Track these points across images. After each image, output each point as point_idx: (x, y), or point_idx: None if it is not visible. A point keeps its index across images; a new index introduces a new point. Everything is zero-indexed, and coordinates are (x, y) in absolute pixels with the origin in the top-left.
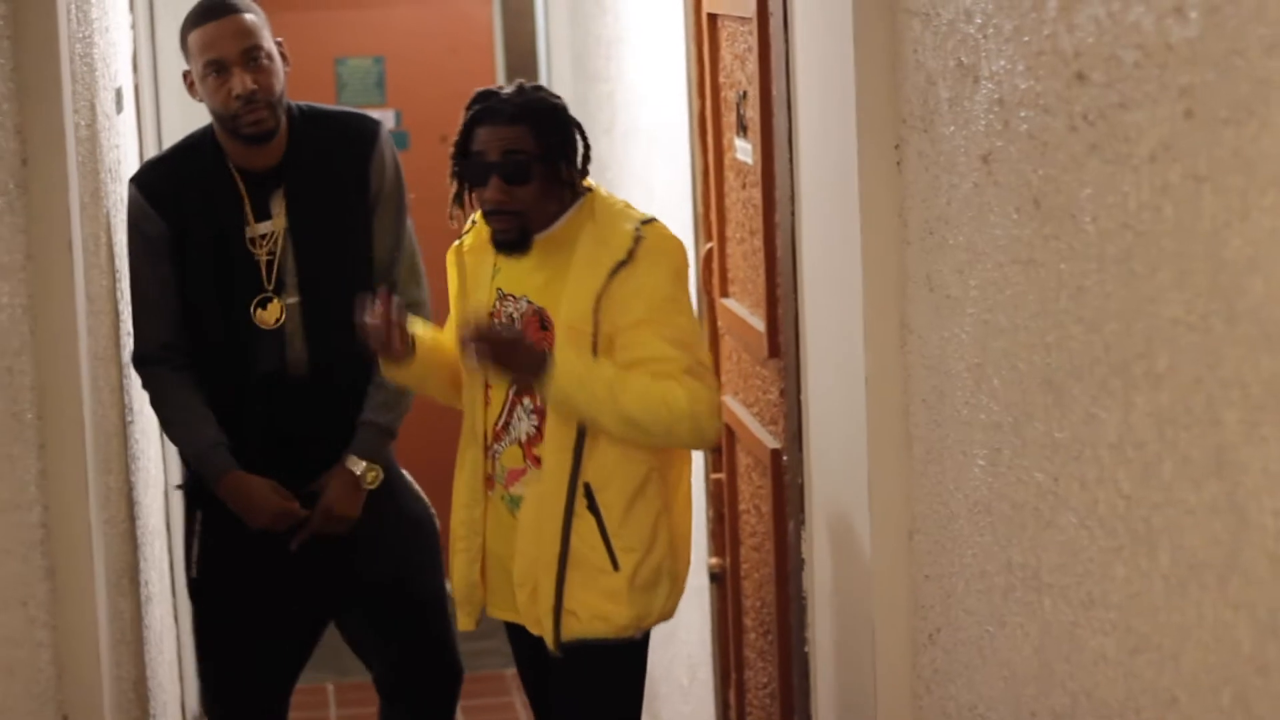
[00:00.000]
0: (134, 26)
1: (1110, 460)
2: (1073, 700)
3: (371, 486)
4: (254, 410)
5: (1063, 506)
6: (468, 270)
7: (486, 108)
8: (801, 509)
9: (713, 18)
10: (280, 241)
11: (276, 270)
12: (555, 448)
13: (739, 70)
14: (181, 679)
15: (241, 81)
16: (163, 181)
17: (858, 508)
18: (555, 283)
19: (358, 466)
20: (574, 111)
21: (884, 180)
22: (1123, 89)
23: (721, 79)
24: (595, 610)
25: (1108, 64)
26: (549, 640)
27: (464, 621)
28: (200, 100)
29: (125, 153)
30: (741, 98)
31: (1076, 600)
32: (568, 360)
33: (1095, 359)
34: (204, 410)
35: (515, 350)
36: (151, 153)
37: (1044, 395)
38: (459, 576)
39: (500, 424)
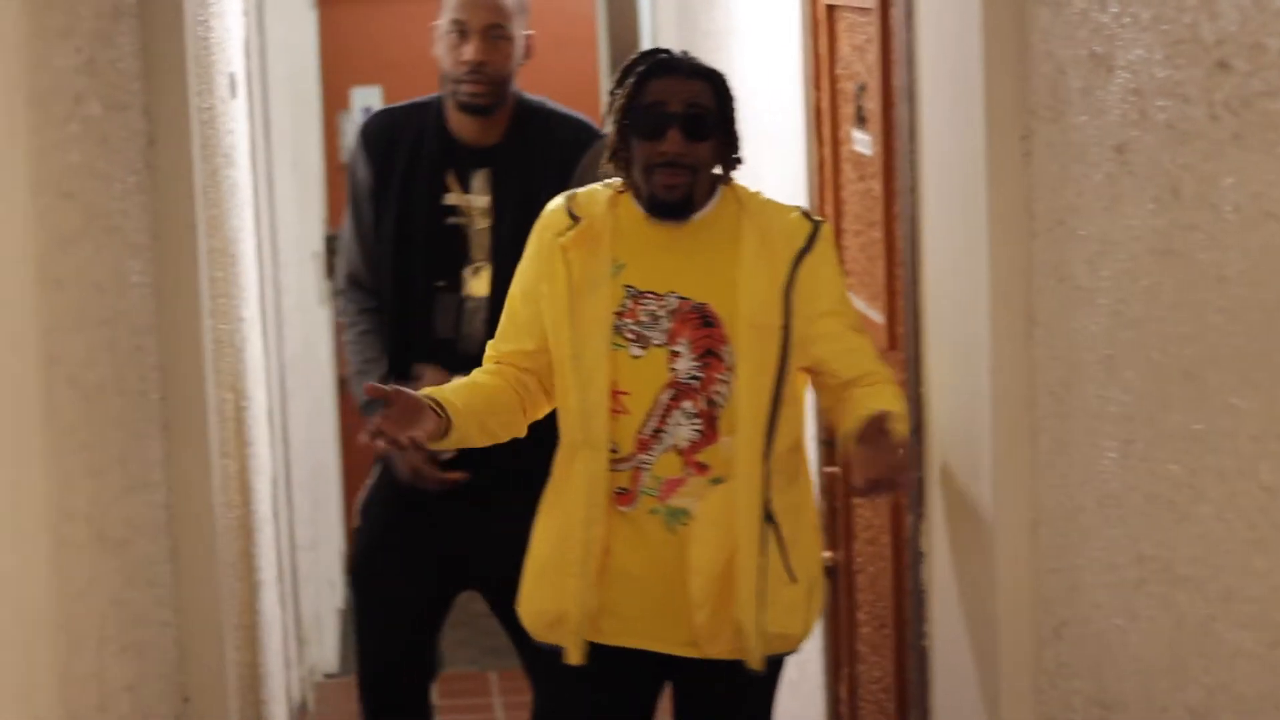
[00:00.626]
0: (246, 14)
1: (1251, 452)
2: (1209, 694)
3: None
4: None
5: (1199, 498)
6: (575, 270)
7: (663, 61)
8: (921, 502)
9: (831, 9)
10: (474, 217)
11: (464, 243)
12: (748, 455)
13: (858, 61)
14: (287, 666)
15: (475, 49)
16: (381, 130)
17: (980, 500)
18: (717, 275)
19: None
20: None
21: (1011, 171)
22: (1268, 77)
23: (839, 70)
24: (781, 625)
25: (1251, 52)
26: (754, 659)
27: (575, 654)
28: (436, 56)
29: (238, 138)
30: (860, 89)
31: (1213, 593)
32: (903, 413)
33: (1237, 349)
34: (372, 338)
35: (903, 461)
36: (260, 141)
37: (1181, 386)
38: (573, 602)
39: (648, 433)
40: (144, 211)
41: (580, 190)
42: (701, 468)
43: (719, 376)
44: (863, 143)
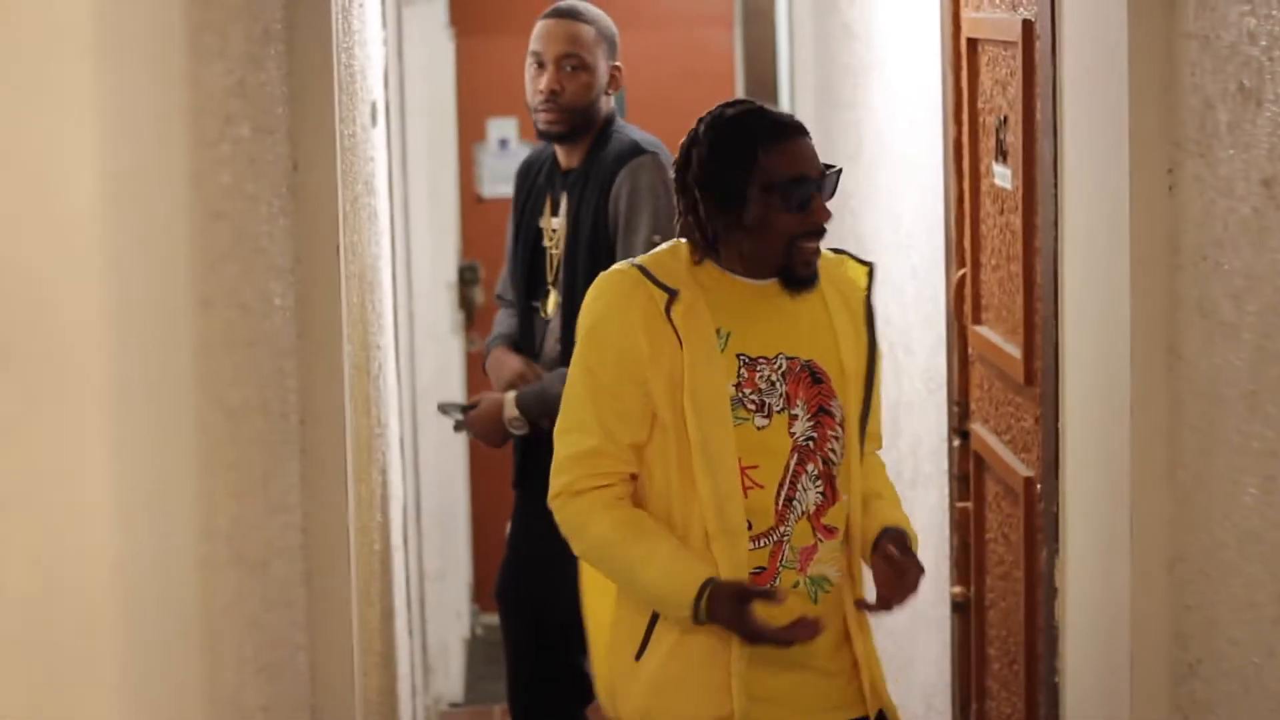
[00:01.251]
0: (386, 43)
1: None
2: None
3: (510, 428)
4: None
5: None
6: (686, 342)
7: (782, 123)
8: (1055, 537)
9: (972, 43)
10: (555, 240)
11: (556, 264)
12: (847, 510)
13: (999, 95)
14: (414, 694)
15: (550, 80)
16: (527, 160)
17: (1117, 536)
18: (817, 328)
19: (510, 405)
20: (819, 140)
21: (1155, 204)
22: None
23: (980, 104)
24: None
25: None
26: (890, 711)
27: None
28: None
29: (378, 166)
30: (1001, 123)
31: None
32: (903, 517)
33: None
34: (511, 323)
35: (917, 582)
36: (398, 169)
37: None
38: (735, 707)
39: (783, 503)
40: (287, 235)
41: (648, 260)
42: (830, 531)
43: (831, 434)
44: (1003, 177)
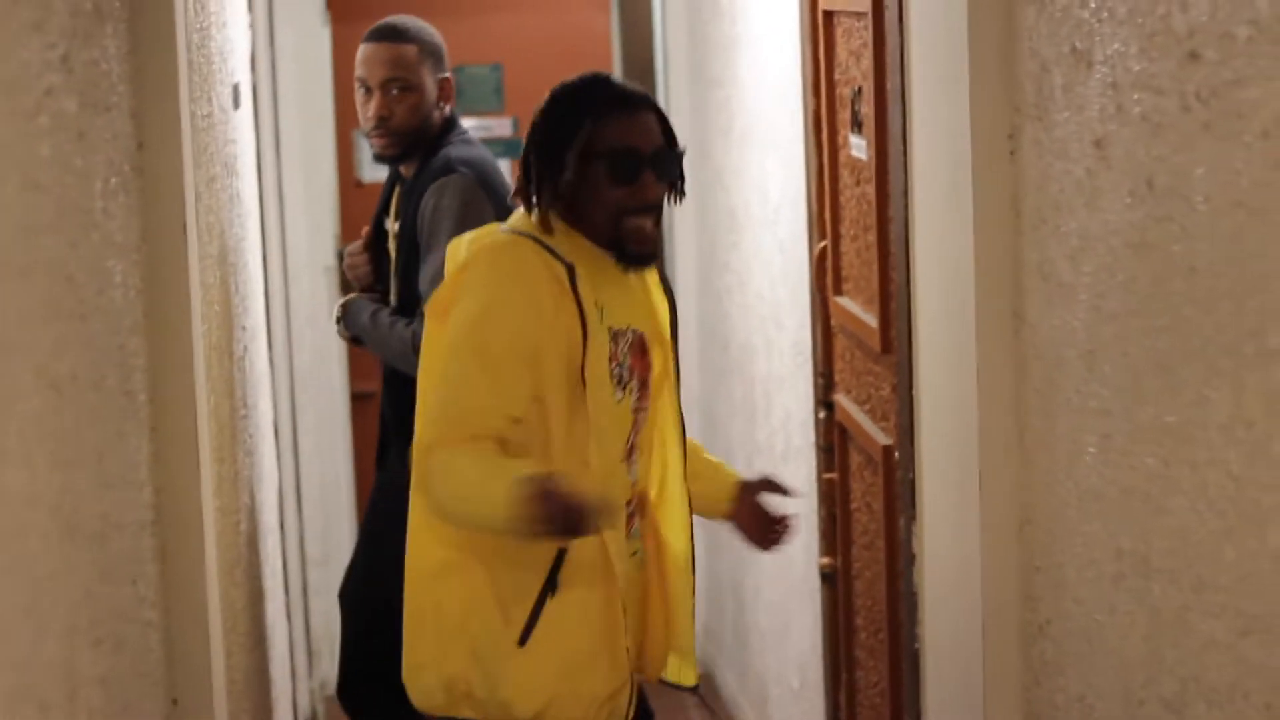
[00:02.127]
0: (253, 26)
1: (1220, 441)
2: (1181, 686)
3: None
4: None
5: (1173, 490)
6: (588, 316)
7: (617, 95)
8: (913, 504)
9: (829, 15)
10: (395, 244)
11: (393, 265)
12: (676, 474)
13: (854, 66)
14: (294, 676)
15: (377, 106)
16: None
17: (969, 501)
18: (642, 302)
19: (336, 304)
20: (691, 116)
21: (997, 169)
22: (1236, 66)
23: (837, 76)
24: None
25: (1221, 41)
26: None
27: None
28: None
29: (242, 148)
30: (856, 94)
31: (1186, 584)
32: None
33: (1206, 339)
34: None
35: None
36: (269, 153)
37: (1155, 379)
38: (627, 672)
39: (633, 475)
40: (130, 214)
41: (533, 229)
42: (642, 497)
43: (644, 405)
44: (859, 147)
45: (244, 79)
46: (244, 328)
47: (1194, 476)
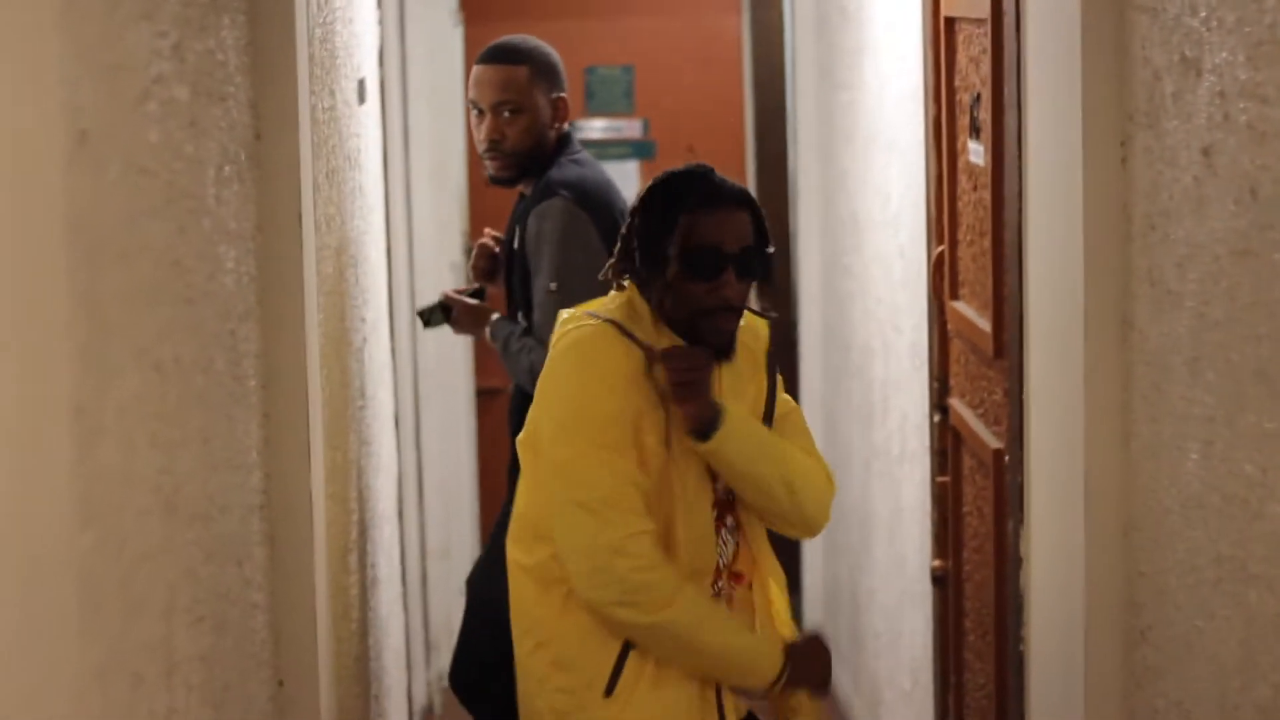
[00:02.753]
0: (382, 23)
1: None
2: (1275, 692)
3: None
4: None
5: (1270, 497)
6: (667, 400)
7: (709, 190)
8: (1021, 508)
9: (950, 21)
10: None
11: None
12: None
13: (973, 73)
14: (409, 667)
15: (489, 129)
16: None
17: (1074, 505)
18: (730, 386)
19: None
20: (817, 120)
21: (1108, 176)
22: None
23: (957, 82)
24: None
25: None
26: None
27: None
28: None
29: (366, 143)
30: (975, 100)
31: None
32: (739, 408)
33: None
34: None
35: (705, 377)
36: (396, 149)
37: (1255, 386)
38: None
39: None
40: (245, 202)
41: (619, 314)
42: (737, 577)
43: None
44: (976, 153)
45: (371, 75)
46: (364, 319)
47: None
